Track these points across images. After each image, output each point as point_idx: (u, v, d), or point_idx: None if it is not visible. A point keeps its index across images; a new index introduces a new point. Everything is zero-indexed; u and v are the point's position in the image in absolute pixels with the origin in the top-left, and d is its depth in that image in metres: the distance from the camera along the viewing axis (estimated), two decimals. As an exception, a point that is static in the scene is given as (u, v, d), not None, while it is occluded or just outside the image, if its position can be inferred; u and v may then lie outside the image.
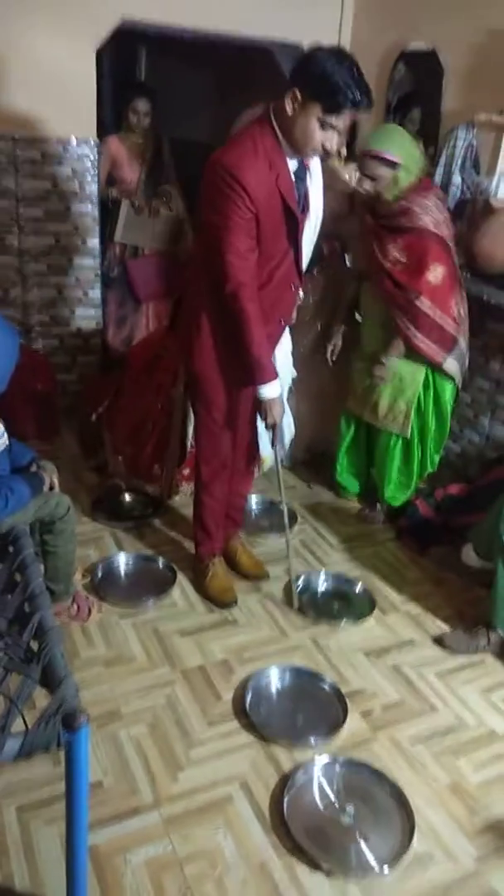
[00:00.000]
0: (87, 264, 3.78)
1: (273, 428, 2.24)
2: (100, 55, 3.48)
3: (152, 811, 1.76)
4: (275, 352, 2.31)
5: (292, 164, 2.05)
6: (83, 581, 2.55)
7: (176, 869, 1.64)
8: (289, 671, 2.21)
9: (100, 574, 2.60)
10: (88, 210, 3.69)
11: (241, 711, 2.06)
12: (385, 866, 1.66)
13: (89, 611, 2.36)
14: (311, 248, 2.27)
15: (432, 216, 2.62)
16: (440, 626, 2.49)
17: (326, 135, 1.94)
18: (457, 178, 3.12)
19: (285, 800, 1.78)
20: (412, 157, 2.57)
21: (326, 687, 2.16)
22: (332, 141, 1.95)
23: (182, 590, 2.57)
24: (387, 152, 2.50)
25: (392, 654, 2.35)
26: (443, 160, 3.15)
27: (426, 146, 3.52)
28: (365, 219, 2.78)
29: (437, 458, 2.96)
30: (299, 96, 1.89)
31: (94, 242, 3.75)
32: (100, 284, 3.85)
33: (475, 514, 2.65)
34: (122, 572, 2.68)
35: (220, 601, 2.49)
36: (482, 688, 2.23)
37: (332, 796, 1.83)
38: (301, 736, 1.99)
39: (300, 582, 2.63)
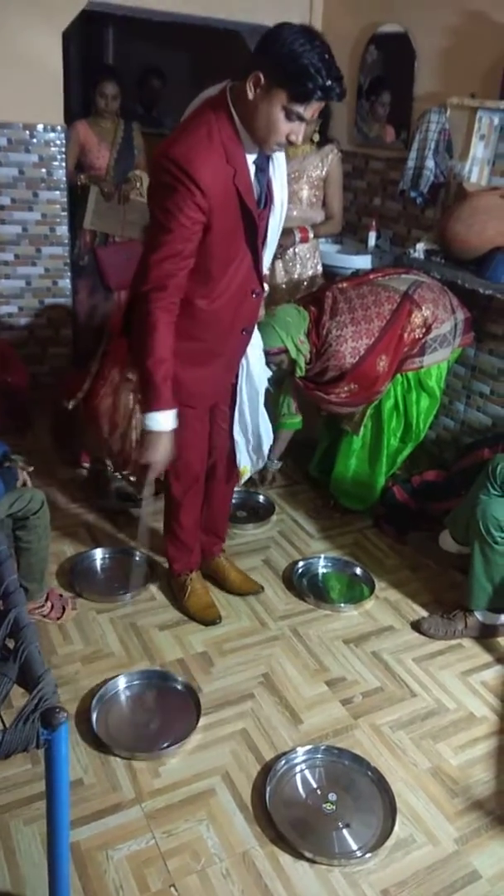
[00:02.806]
0: (56, 253, 3.71)
1: (152, 467, 1.92)
2: (66, 38, 3.40)
3: (134, 807, 1.75)
4: (246, 351, 2.17)
5: (251, 156, 1.79)
6: (56, 576, 2.52)
7: (159, 863, 1.63)
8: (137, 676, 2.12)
9: (76, 569, 2.56)
10: (56, 197, 3.62)
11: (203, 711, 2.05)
12: (367, 853, 1.66)
13: (63, 609, 2.32)
14: (276, 242, 2.08)
15: (347, 336, 2.65)
16: (418, 612, 2.50)
17: (292, 126, 1.69)
18: (430, 163, 3.10)
19: (267, 790, 1.78)
20: (289, 334, 2.64)
21: (179, 686, 2.09)
22: (299, 133, 1.71)
23: (160, 583, 2.55)
24: (270, 348, 2.53)
25: (371, 641, 2.36)
26: (415, 144, 3.14)
27: (398, 130, 3.52)
28: (304, 387, 2.81)
29: (424, 428, 2.92)
30: (262, 80, 1.63)
31: (62, 230, 3.68)
32: (69, 273, 3.78)
33: (452, 500, 2.66)
34: (99, 566, 2.65)
35: (202, 619, 2.36)
36: (460, 671, 2.25)
37: (313, 784, 1.83)
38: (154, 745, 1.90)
39: (300, 566, 2.67)
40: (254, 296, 2.03)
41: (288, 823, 1.72)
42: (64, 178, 3.61)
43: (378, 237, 3.59)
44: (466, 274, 2.86)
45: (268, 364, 2.48)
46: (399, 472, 3.06)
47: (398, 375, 2.77)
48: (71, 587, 2.48)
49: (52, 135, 3.50)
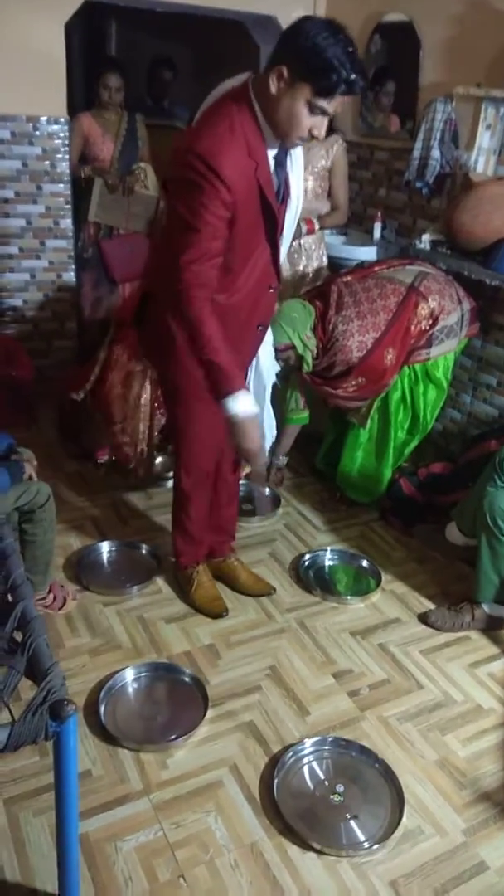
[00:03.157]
0: (61, 246, 3.71)
1: (251, 457, 1.91)
2: (69, 31, 3.38)
3: (142, 798, 1.75)
4: (257, 352, 2.16)
5: (272, 150, 1.79)
6: (63, 569, 2.52)
7: (167, 854, 1.63)
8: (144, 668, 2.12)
9: (82, 562, 2.57)
10: (60, 190, 3.61)
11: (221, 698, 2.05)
12: (375, 844, 1.67)
13: (65, 600, 2.33)
14: (291, 237, 2.09)
15: (353, 330, 2.63)
16: (425, 604, 2.50)
17: (315, 120, 1.67)
18: (436, 153, 3.08)
19: (275, 781, 1.78)
20: (295, 330, 2.62)
21: (187, 679, 2.10)
22: (322, 127, 1.70)
23: (167, 576, 2.55)
24: (277, 345, 2.51)
25: (378, 633, 2.36)
26: (421, 134, 3.12)
27: (403, 120, 3.49)
28: (311, 382, 2.79)
29: (431, 420, 2.90)
30: (286, 75, 1.62)
31: (66, 223, 3.68)
32: (74, 266, 3.78)
33: (458, 492, 2.66)
34: (105, 560, 2.65)
35: (209, 612, 2.36)
36: (468, 663, 2.24)
37: (321, 776, 1.83)
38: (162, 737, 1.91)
39: (306, 559, 2.67)
40: (271, 290, 2.01)
41: (296, 815, 1.72)
42: (68, 171, 3.60)
43: (384, 228, 3.57)
44: (472, 265, 2.84)
45: (276, 360, 2.48)
46: (406, 464, 3.05)
47: (405, 368, 2.76)
48: (78, 580, 2.48)
49: (55, 127, 3.49)
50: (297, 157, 1.93)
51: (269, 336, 2.23)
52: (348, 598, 2.51)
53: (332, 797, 1.77)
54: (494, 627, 2.37)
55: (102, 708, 1.96)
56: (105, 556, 2.66)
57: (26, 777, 1.78)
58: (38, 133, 3.46)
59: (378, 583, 2.58)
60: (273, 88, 1.65)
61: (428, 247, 3.05)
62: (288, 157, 1.90)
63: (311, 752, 1.89)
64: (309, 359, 2.69)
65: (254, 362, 2.20)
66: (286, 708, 2.04)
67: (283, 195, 1.94)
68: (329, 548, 2.76)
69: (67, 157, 3.57)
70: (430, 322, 2.67)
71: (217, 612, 2.36)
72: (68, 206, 3.66)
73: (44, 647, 1.44)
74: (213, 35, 4.43)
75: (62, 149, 3.54)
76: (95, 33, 5.16)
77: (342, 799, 1.77)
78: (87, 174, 3.65)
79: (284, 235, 2.01)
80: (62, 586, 2.39)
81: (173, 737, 1.90)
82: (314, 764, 1.87)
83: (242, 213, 1.75)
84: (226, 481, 2.40)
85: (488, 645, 2.32)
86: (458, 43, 3.05)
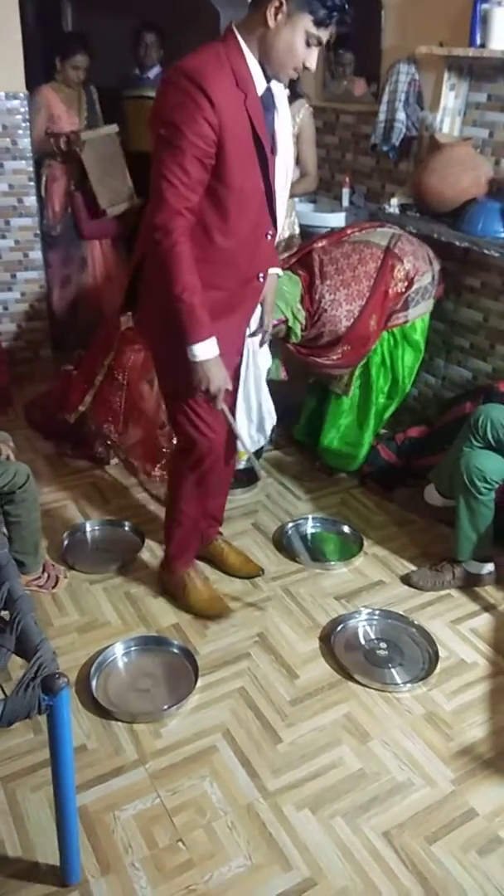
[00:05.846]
0: (26, 224, 3.63)
1: (216, 396, 1.88)
2: (23, 4, 3.28)
3: (138, 768, 1.78)
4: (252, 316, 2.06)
5: (259, 89, 1.75)
6: (48, 551, 2.52)
7: (165, 820, 1.66)
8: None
9: (67, 542, 2.57)
10: (23, 167, 3.52)
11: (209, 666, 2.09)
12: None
13: (57, 578, 2.34)
14: (286, 195, 2.00)
15: (340, 300, 2.62)
16: (407, 566, 2.54)
17: (310, 52, 1.71)
18: (401, 115, 3.06)
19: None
20: (288, 304, 2.59)
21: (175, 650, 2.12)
22: (313, 59, 1.73)
23: (151, 552, 2.56)
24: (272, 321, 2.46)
25: (362, 596, 2.40)
26: (385, 97, 3.09)
27: (368, 82, 3.45)
28: (296, 352, 2.76)
29: (409, 383, 2.90)
30: (286, 7, 1.63)
31: (31, 201, 3.60)
32: (40, 245, 3.71)
33: (436, 455, 2.69)
34: (90, 539, 2.65)
35: (211, 614, 2.25)
36: (450, 620, 2.29)
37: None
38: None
39: (289, 527, 2.70)
40: (269, 236, 1.95)
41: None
42: (29, 147, 3.51)
43: (352, 194, 3.55)
44: (442, 227, 2.84)
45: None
46: (384, 430, 3.08)
47: (384, 332, 2.76)
48: (63, 560, 2.48)
49: (14, 103, 3.40)
50: (283, 107, 1.88)
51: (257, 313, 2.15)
52: (332, 563, 2.54)
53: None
54: (474, 584, 2.42)
55: (94, 683, 1.98)
56: (89, 535, 2.67)
57: (22, 754, 1.79)
58: (-4, 109, 3.37)
59: (360, 548, 2.61)
60: (271, 22, 1.66)
61: (397, 211, 3.04)
62: (274, 106, 1.84)
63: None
64: (298, 330, 2.67)
65: (249, 349, 2.11)
66: (275, 673, 2.07)
67: (273, 146, 1.87)
68: (311, 516, 2.79)
69: (29, 133, 3.49)
70: (406, 284, 2.68)
71: (221, 613, 2.26)
72: (31, 184, 3.57)
73: (31, 624, 1.46)
74: (171, 4, 4.32)
75: (23, 125, 3.45)
76: (51, 7, 5.00)
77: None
78: (65, 147, 3.53)
79: (279, 185, 1.93)
80: (53, 565, 2.39)
81: (165, 707, 1.93)
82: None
83: (232, 142, 1.69)
84: (221, 470, 2.27)
85: (469, 602, 2.38)
86: (419, 3, 3.02)
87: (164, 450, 2.90)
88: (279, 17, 1.65)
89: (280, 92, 1.85)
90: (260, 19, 1.67)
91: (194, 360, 1.82)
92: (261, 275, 2.00)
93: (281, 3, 1.64)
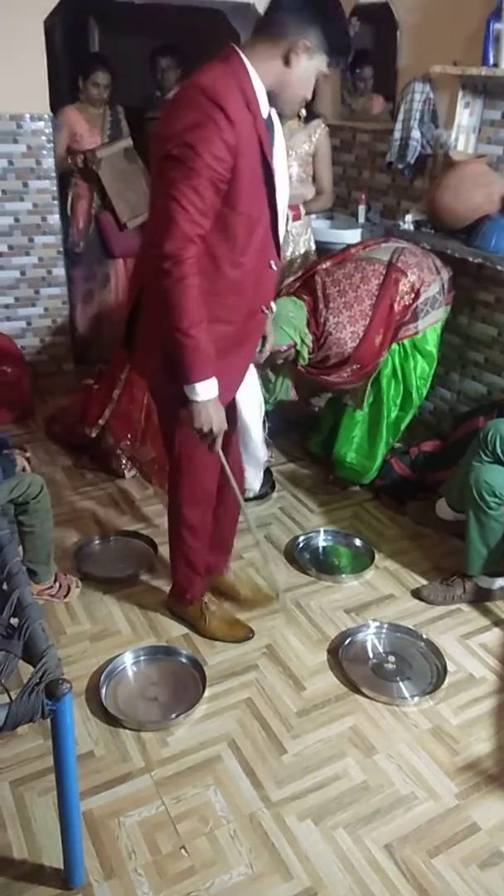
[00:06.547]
0: (50, 242, 3.74)
1: (209, 436, 1.80)
2: (52, 28, 3.40)
3: (143, 775, 1.81)
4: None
5: (264, 113, 1.71)
6: (63, 560, 2.57)
7: (169, 827, 1.69)
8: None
9: (81, 551, 2.62)
10: (47, 186, 3.63)
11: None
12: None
13: (69, 588, 2.38)
14: (284, 222, 1.96)
15: (344, 322, 2.65)
16: (418, 580, 2.54)
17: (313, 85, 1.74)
18: (416, 133, 3.10)
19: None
20: (297, 329, 2.64)
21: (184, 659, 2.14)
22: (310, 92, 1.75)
23: (164, 564, 2.60)
24: (280, 346, 2.53)
25: (372, 609, 2.41)
26: (401, 115, 3.14)
27: (384, 101, 3.50)
28: (306, 373, 2.81)
29: (424, 392, 2.90)
30: (310, 48, 1.63)
31: (54, 219, 3.70)
32: (63, 261, 3.81)
33: (449, 469, 2.69)
34: (104, 549, 2.70)
35: (234, 639, 2.22)
36: (460, 635, 2.29)
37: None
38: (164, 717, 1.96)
39: (301, 540, 2.72)
40: (271, 267, 1.86)
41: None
42: (53, 167, 3.62)
43: (368, 210, 3.59)
44: (455, 243, 2.86)
45: (276, 362, 2.55)
46: (398, 444, 3.09)
47: (394, 345, 2.78)
48: (77, 569, 2.53)
49: (39, 124, 3.51)
50: (279, 133, 1.84)
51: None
52: (343, 576, 2.56)
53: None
54: (485, 599, 2.41)
55: (104, 691, 2.02)
56: (103, 545, 2.71)
57: (31, 759, 1.83)
58: (22, 131, 3.49)
59: (372, 561, 2.62)
60: (294, 62, 1.65)
61: (412, 227, 3.07)
62: (273, 130, 1.79)
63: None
64: (305, 353, 2.71)
65: (245, 388, 2.08)
66: (283, 684, 2.09)
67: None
68: (323, 529, 2.81)
69: (53, 153, 3.59)
70: (413, 296, 2.70)
71: (243, 637, 2.24)
72: (55, 202, 3.68)
73: (39, 631, 1.50)
74: (193, 25, 4.42)
75: (47, 145, 3.56)
76: (78, 30, 5.15)
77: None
78: (81, 165, 3.65)
79: (279, 211, 1.86)
80: (65, 575, 2.44)
81: (173, 716, 1.96)
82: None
83: (244, 166, 1.62)
84: (229, 503, 2.23)
85: (479, 617, 2.37)
86: (434, 23, 3.06)
87: None
88: (302, 57, 1.65)
89: (277, 121, 1.82)
90: (276, 53, 1.65)
91: (195, 400, 1.73)
92: (265, 307, 1.92)
93: (307, 47, 1.64)
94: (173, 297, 1.63)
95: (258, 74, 1.66)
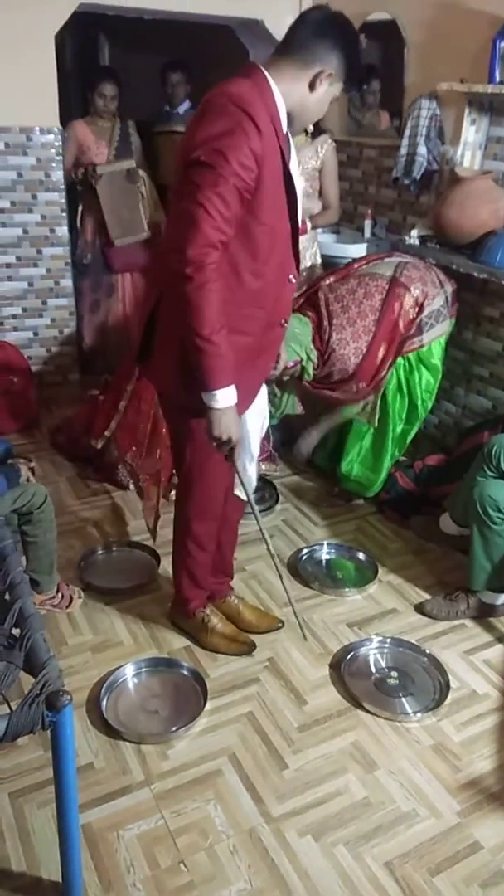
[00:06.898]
0: (57, 253, 3.76)
1: (227, 444, 1.79)
2: (60, 41, 3.44)
3: (143, 788, 1.80)
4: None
5: (284, 128, 1.73)
6: (66, 570, 2.57)
7: (168, 841, 1.68)
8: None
9: (84, 562, 2.62)
10: (55, 198, 3.67)
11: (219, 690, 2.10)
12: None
13: (71, 598, 2.38)
14: (297, 229, 1.91)
15: (347, 338, 2.67)
16: (422, 595, 2.53)
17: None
18: (422, 149, 3.12)
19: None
20: (303, 345, 2.65)
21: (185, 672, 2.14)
22: None
23: (167, 574, 2.60)
24: (286, 363, 2.49)
25: (375, 624, 2.40)
26: (407, 131, 3.15)
27: (391, 117, 3.52)
28: (311, 389, 2.83)
29: (429, 405, 2.91)
30: (332, 74, 1.69)
31: (62, 231, 3.74)
32: (70, 273, 3.84)
33: (454, 484, 2.69)
34: (106, 560, 2.70)
35: (237, 651, 2.23)
36: (463, 651, 2.28)
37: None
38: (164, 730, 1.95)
39: (304, 553, 2.71)
40: (290, 281, 1.87)
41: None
42: (62, 180, 3.66)
43: (374, 225, 3.61)
44: (461, 258, 2.87)
45: (281, 377, 2.54)
46: (402, 458, 3.09)
47: (400, 358, 2.79)
48: (79, 581, 2.53)
49: (48, 137, 3.55)
50: (294, 150, 1.83)
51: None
52: (346, 590, 2.55)
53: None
54: (488, 615, 2.40)
55: (104, 703, 2.01)
56: (106, 556, 2.71)
57: (31, 770, 1.83)
58: (31, 143, 3.52)
59: (375, 575, 2.61)
60: (319, 88, 1.70)
61: (417, 242, 3.08)
62: (289, 145, 1.80)
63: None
64: (310, 369, 2.72)
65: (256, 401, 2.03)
66: (284, 699, 2.08)
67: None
68: (326, 542, 2.80)
69: (62, 166, 3.63)
70: (417, 310, 2.71)
71: (246, 649, 2.23)
72: (63, 214, 3.72)
73: (40, 641, 1.50)
74: (203, 41, 4.48)
75: (56, 158, 3.60)
76: (89, 46, 5.22)
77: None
78: (82, 177, 3.69)
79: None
80: (68, 585, 2.44)
81: (174, 729, 1.95)
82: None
83: (268, 177, 1.64)
84: (231, 525, 2.26)
85: (482, 633, 2.36)
86: (441, 40, 3.09)
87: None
88: (325, 83, 1.70)
89: (291, 138, 1.82)
90: (303, 77, 1.68)
91: (214, 408, 1.71)
92: (283, 321, 1.90)
93: (332, 74, 1.69)
94: (195, 302, 1.61)
95: (281, 94, 1.68)
